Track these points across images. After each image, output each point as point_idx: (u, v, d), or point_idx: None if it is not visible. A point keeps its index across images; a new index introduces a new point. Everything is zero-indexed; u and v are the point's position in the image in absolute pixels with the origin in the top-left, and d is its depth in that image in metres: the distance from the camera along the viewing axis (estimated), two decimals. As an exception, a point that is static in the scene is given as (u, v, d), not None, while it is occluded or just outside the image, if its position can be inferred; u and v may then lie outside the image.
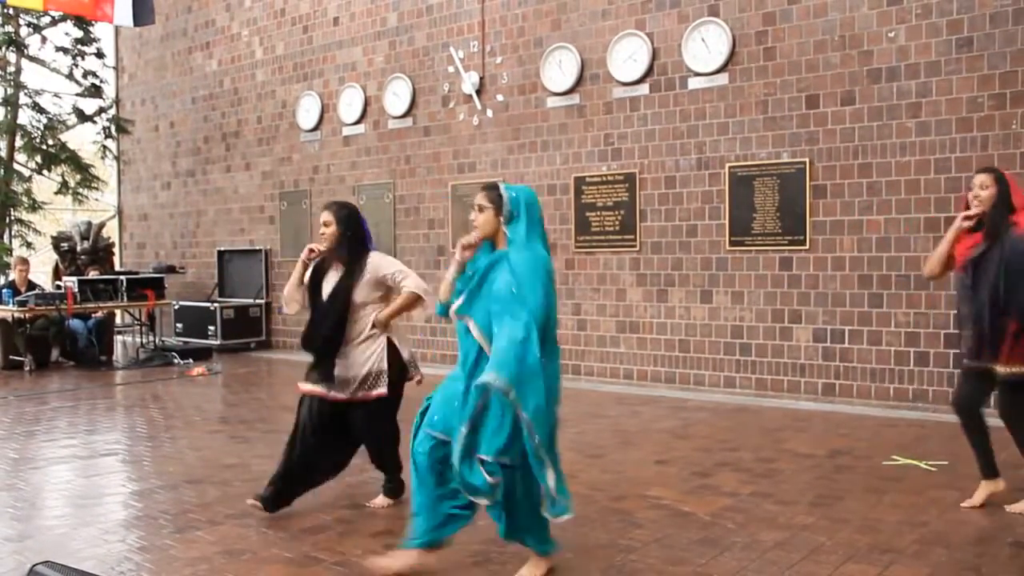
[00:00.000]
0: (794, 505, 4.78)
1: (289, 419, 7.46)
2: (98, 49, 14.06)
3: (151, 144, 14.97)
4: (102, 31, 14.53)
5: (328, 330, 4.61)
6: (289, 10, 12.54)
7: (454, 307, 3.61)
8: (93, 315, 11.40)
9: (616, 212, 9.19)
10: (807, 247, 8.06)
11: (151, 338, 12.36)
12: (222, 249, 13.48)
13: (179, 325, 13.14)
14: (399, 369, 4.73)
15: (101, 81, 14.20)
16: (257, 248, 13.02)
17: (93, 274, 12.11)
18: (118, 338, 13.01)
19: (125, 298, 11.65)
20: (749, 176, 8.33)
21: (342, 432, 4.74)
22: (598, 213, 9.32)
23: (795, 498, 4.92)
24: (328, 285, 4.66)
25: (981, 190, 4.47)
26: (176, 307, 13.11)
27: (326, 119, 12.11)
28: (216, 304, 12.67)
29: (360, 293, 4.60)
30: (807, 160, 8.02)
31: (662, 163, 8.89)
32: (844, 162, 7.86)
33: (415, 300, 4.66)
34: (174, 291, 13.47)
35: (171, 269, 13.46)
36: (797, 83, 8.08)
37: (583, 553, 4.04)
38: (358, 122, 11.68)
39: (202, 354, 11.73)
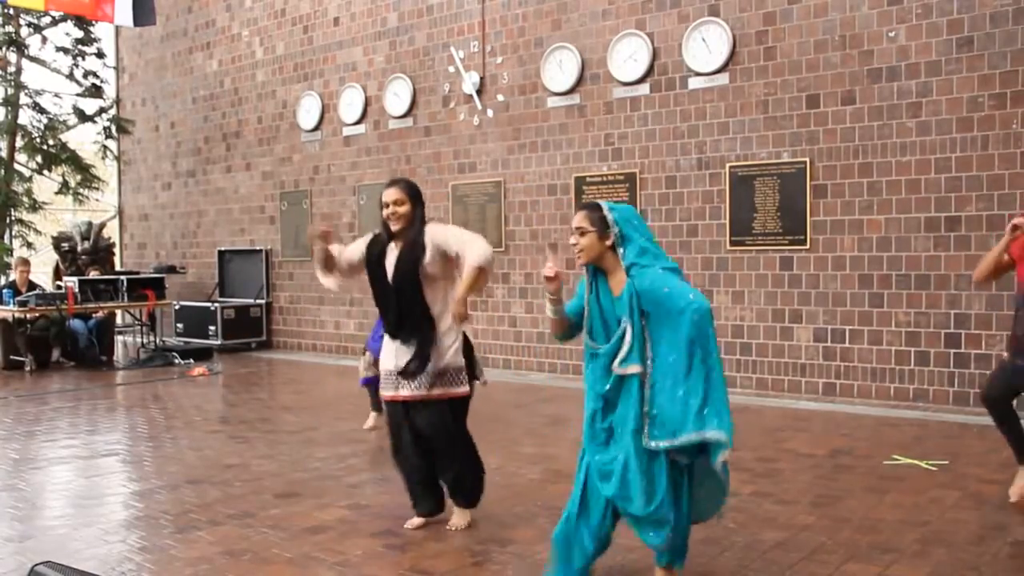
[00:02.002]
0: (795, 505, 4.78)
1: (290, 419, 7.52)
2: (98, 49, 14.06)
3: (151, 144, 14.97)
4: (102, 31, 14.55)
5: (402, 308, 4.24)
6: (289, 10, 12.54)
7: (622, 368, 3.35)
8: (94, 315, 11.40)
9: (616, 212, 9.17)
10: (807, 247, 8.06)
11: (152, 338, 12.37)
12: (223, 249, 13.48)
13: (180, 325, 13.15)
14: (471, 366, 4.41)
15: (101, 81, 14.20)
16: (258, 248, 13.02)
17: (94, 274, 12.13)
18: (119, 338, 13.02)
19: (126, 298, 11.67)
20: (749, 176, 8.33)
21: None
22: (598, 213, 9.29)
23: (796, 498, 4.92)
24: (390, 265, 4.30)
25: None
26: (177, 307, 13.11)
27: (326, 119, 12.11)
28: (217, 304, 12.67)
29: (428, 266, 4.22)
30: (807, 160, 8.01)
31: (662, 163, 8.89)
32: (844, 162, 7.86)
33: (480, 274, 4.16)
34: (175, 291, 13.48)
35: (172, 269, 13.47)
36: (797, 83, 8.08)
37: (584, 553, 4.03)
38: (359, 122, 11.68)
39: (203, 354, 11.73)
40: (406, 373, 4.25)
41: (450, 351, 4.29)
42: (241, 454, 6.19)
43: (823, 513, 4.62)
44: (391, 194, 4.33)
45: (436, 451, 4.37)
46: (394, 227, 4.31)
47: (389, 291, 4.30)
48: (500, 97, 10.16)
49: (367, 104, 11.57)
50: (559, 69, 9.61)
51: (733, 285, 8.49)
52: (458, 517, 4.46)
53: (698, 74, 8.62)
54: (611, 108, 9.27)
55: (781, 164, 8.17)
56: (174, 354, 11.52)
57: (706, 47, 8.54)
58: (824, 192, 7.97)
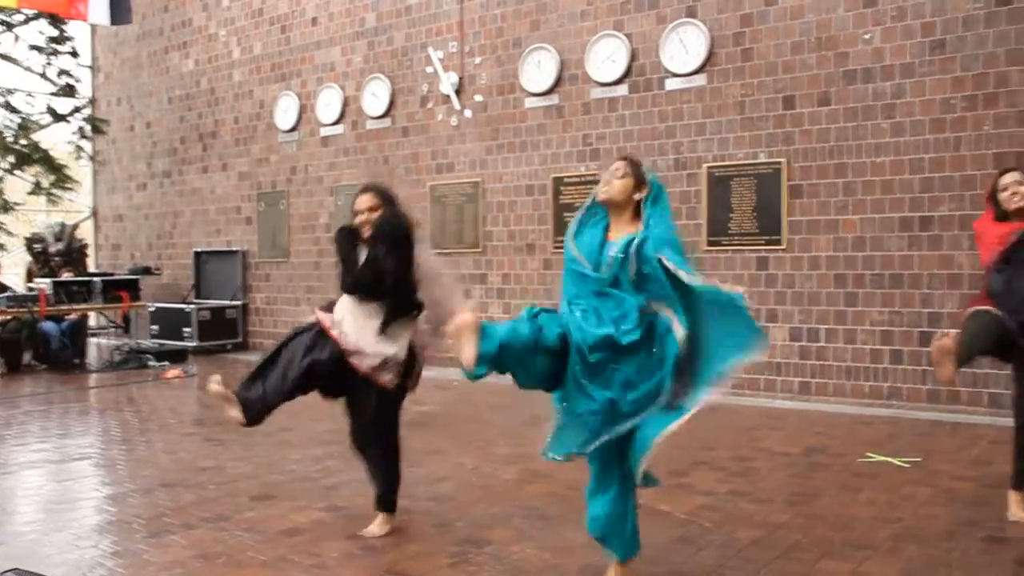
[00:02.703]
0: (770, 503, 4.80)
1: (265, 421, 7.45)
2: (72, 48, 13.92)
3: (127, 144, 14.85)
4: (77, 29, 14.40)
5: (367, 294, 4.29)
6: (267, 10, 12.47)
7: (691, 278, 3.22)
8: (67, 317, 11.28)
9: (594, 212, 9.19)
10: (783, 247, 8.10)
11: (126, 340, 12.26)
12: (199, 250, 13.39)
13: (154, 327, 13.02)
14: (410, 368, 4.39)
15: (76, 80, 14.06)
16: (234, 249, 12.93)
17: (67, 276, 12.00)
18: (92, 340, 12.89)
19: (100, 300, 11.55)
20: (726, 176, 8.37)
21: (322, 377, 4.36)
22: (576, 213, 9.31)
23: (771, 496, 4.94)
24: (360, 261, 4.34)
25: (1019, 186, 4.54)
26: (151, 309, 12.99)
27: (304, 119, 12.05)
28: (192, 306, 12.58)
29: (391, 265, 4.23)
30: (784, 160, 8.06)
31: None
32: (820, 162, 7.91)
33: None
34: (149, 293, 13.35)
35: (147, 271, 13.35)
36: (774, 84, 8.13)
37: (560, 552, 4.04)
38: (336, 123, 11.63)
39: (178, 356, 11.61)
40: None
41: (397, 343, 4.29)
42: (216, 456, 6.14)
43: (798, 511, 4.65)
44: (364, 201, 4.32)
45: (368, 437, 4.37)
46: (366, 234, 4.31)
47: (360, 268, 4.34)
48: (478, 97, 10.15)
49: (345, 104, 11.53)
50: (537, 69, 9.61)
51: (710, 285, 8.50)
52: (381, 521, 4.42)
53: (675, 75, 8.65)
54: (589, 109, 9.28)
55: (758, 165, 8.21)
56: (149, 356, 11.41)
57: (683, 48, 8.57)
58: (800, 192, 8.02)
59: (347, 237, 4.41)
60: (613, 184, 3.41)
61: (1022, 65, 7.03)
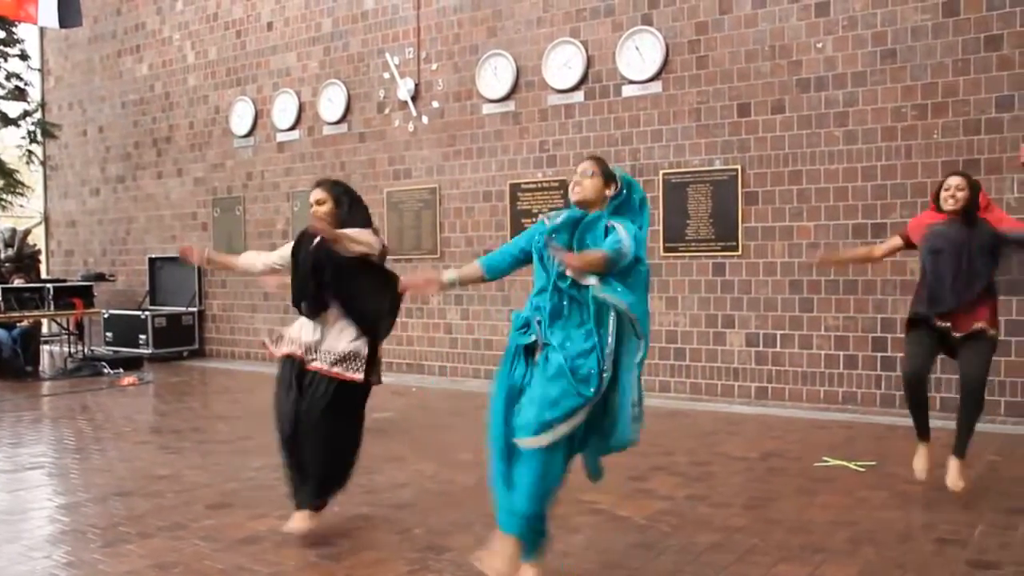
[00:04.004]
0: (728, 507, 4.85)
1: (223, 428, 7.39)
2: (22, 51, 13.72)
3: (79, 149, 14.61)
4: (26, 32, 14.18)
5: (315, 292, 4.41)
6: (222, 14, 12.36)
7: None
8: (18, 324, 11.07)
9: (553, 218, 9.23)
10: (739, 253, 8.19)
11: (79, 348, 12.05)
12: (153, 256, 13.20)
13: (109, 334, 12.82)
14: (371, 363, 4.45)
15: (26, 84, 13.83)
16: (189, 255, 12.75)
17: (18, 282, 11.78)
18: (45, 348, 12.66)
19: (52, 307, 11.33)
20: (683, 183, 8.45)
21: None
22: (533, 220, 9.30)
23: (729, 500, 4.99)
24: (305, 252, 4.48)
25: (959, 192, 4.89)
26: (106, 316, 12.79)
27: (260, 125, 11.96)
28: (147, 312, 12.40)
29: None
30: (739, 167, 8.16)
31: (598, 170, 8.94)
32: (775, 169, 8.02)
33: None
34: (103, 299, 13.16)
35: (100, 277, 13.14)
36: (729, 91, 8.22)
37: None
38: (292, 128, 11.55)
39: (133, 364, 11.46)
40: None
41: (353, 338, 4.39)
42: (172, 464, 6.06)
43: (755, 515, 4.70)
44: (315, 194, 4.52)
45: (319, 434, 4.37)
46: (317, 225, 4.44)
47: (305, 276, 4.45)
48: (435, 104, 10.15)
49: (301, 110, 11.46)
50: (494, 76, 9.63)
51: (667, 291, 8.59)
52: (302, 517, 4.40)
53: (632, 82, 8.72)
54: (546, 115, 9.32)
55: (713, 171, 8.30)
56: (103, 364, 11.23)
57: (640, 55, 8.65)
58: (755, 199, 8.12)
59: (299, 244, 4.57)
60: (584, 184, 3.60)
61: (968, 75, 7.20)
